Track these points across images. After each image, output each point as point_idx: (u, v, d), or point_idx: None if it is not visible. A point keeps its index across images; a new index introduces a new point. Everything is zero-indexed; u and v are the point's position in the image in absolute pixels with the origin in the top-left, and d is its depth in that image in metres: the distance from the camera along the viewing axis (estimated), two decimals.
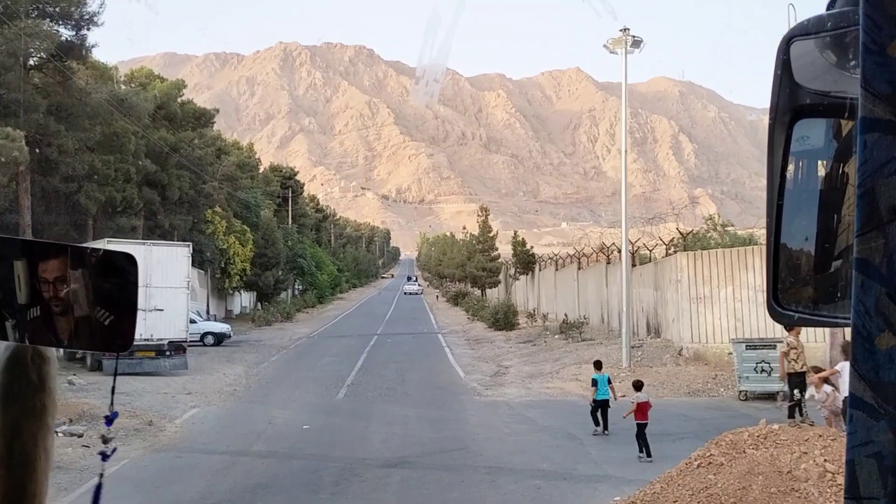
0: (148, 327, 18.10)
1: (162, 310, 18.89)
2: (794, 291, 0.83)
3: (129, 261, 1.06)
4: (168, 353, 19.79)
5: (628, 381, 14.20)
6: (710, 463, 6.68)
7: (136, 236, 27.61)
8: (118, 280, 1.05)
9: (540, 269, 43.65)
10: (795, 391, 11.75)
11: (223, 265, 38.07)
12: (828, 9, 0.77)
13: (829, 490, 5.80)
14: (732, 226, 33.72)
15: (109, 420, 1.15)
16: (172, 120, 34.14)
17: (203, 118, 38.63)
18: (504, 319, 35.21)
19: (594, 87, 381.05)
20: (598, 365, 12.75)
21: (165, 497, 9.14)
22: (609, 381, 12.30)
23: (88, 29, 24.57)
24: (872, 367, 0.62)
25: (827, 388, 10.12)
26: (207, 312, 34.88)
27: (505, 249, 55.52)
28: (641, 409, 10.68)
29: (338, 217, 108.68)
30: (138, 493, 9.12)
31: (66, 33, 24.46)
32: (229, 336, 28.91)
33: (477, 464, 10.54)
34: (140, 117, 28.26)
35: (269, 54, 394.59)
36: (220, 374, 20.37)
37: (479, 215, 55.93)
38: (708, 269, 19.69)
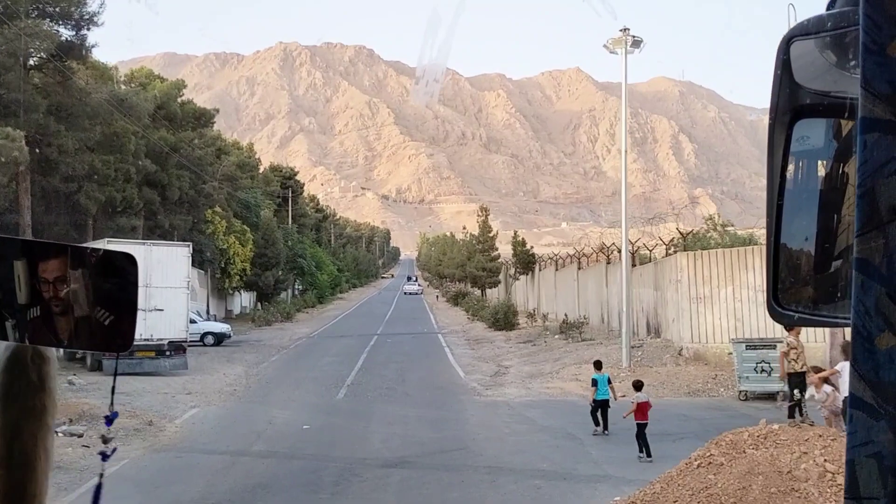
0: (148, 327, 18.10)
1: (162, 310, 18.89)
2: (794, 291, 0.83)
3: (129, 261, 1.06)
4: (168, 353, 19.79)
5: (628, 381, 14.20)
6: (711, 463, 6.68)
7: (137, 236, 27.61)
8: (118, 280, 1.05)
9: (540, 269, 43.64)
10: (795, 391, 11.74)
11: (223, 265, 38.07)
12: (828, 9, 0.77)
13: (829, 490, 5.80)
14: (732, 226, 33.74)
15: (109, 420, 1.16)
16: (172, 120, 34.14)
17: (203, 118, 38.63)
18: (504, 319, 35.21)
19: (594, 87, 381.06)
20: (597, 365, 12.75)
21: (165, 497, 9.14)
22: (609, 381, 12.29)
23: (88, 29, 24.59)
24: (872, 367, 0.62)
25: (827, 388, 10.12)
26: (207, 312, 34.88)
27: (505, 249, 55.52)
28: (641, 410, 10.68)
29: (338, 217, 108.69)
30: (138, 493, 9.11)
31: (66, 33, 24.47)
32: (229, 336, 28.90)
33: (477, 464, 10.54)
34: (140, 117, 28.26)
35: (269, 54, 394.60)
36: (220, 374, 20.37)
37: (479, 215, 55.93)
38: (708, 269, 19.69)
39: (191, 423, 13.75)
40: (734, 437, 6.92)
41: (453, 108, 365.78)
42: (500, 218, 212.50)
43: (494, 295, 54.60)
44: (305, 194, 69.03)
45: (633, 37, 19.51)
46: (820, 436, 6.59)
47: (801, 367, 12.06)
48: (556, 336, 28.22)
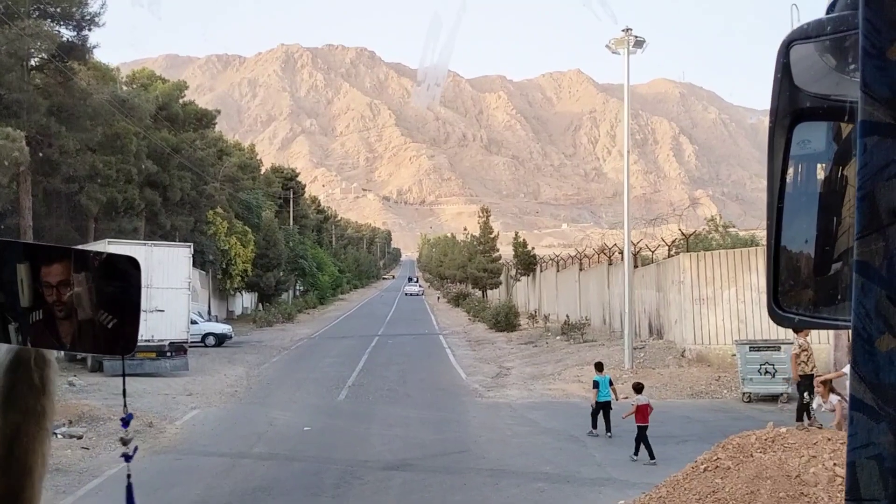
0: (149, 328, 18.03)
1: (163, 311, 18.82)
2: (794, 294, 0.83)
3: (133, 264, 1.05)
4: (169, 353, 19.72)
5: (631, 383, 14.11)
6: (717, 467, 6.60)
7: (138, 237, 27.55)
8: (121, 283, 1.04)
9: (541, 271, 43.57)
10: (805, 393, 11.64)
11: (224, 266, 38.02)
12: (827, 12, 0.77)
13: (839, 495, 5.71)
14: (734, 227, 33.68)
15: (126, 422, 1.15)
16: (174, 121, 34.10)
17: (204, 119, 38.60)
18: (505, 320, 35.12)
19: (595, 88, 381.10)
20: (599, 367, 12.67)
21: (165, 499, 9.06)
22: (611, 383, 12.22)
23: (90, 29, 24.55)
24: (873, 369, 0.62)
25: (833, 398, 10.02)
26: (209, 313, 34.81)
27: (506, 251, 55.44)
28: (641, 412, 10.60)
29: (339, 218, 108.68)
30: (137, 495, 8.96)
31: (67, 34, 24.43)
32: (230, 337, 28.84)
33: (479, 466, 10.46)
34: (141, 118, 28.22)
35: (271, 56, 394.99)
36: (221, 375, 20.29)
37: (479, 216, 55.86)
38: (711, 271, 19.60)
39: (191, 424, 13.68)
40: (741, 441, 6.83)
41: (454, 109, 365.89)
42: (500, 219, 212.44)
43: (495, 296, 54.51)
44: (307, 195, 69.01)
45: (636, 37, 19.44)
46: (829, 439, 6.50)
47: (812, 370, 11.99)
48: (558, 337, 28.13)
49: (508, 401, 16.54)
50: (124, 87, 31.29)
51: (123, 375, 1.30)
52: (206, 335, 27.62)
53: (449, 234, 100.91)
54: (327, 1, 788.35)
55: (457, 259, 65.72)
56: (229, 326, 30.65)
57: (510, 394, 17.53)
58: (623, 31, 19.44)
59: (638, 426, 10.60)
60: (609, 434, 12.03)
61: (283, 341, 30.63)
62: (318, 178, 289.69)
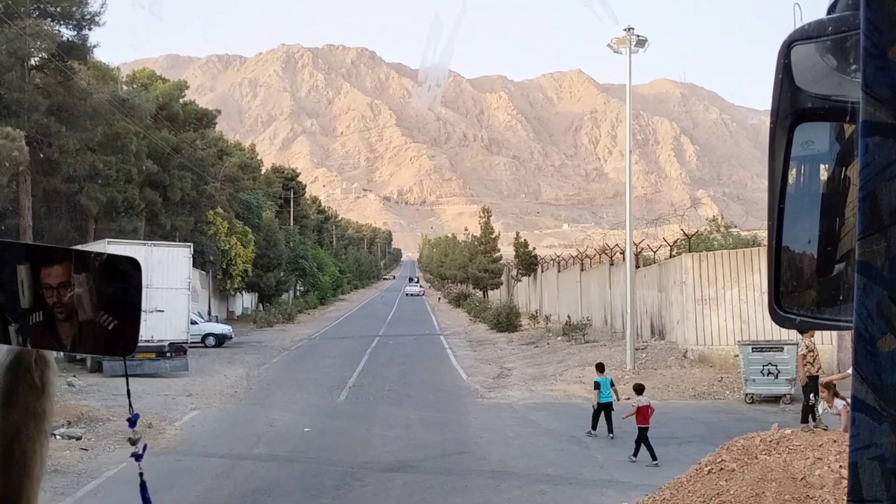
0: (148, 328, 17.95)
1: (163, 311, 18.75)
2: (795, 295, 0.83)
3: (133, 265, 1.05)
4: (169, 354, 19.66)
5: (632, 384, 14.03)
6: (722, 469, 6.52)
7: (138, 237, 27.49)
8: (122, 284, 1.04)
9: (542, 271, 43.50)
10: (811, 395, 11.56)
11: (225, 266, 37.96)
12: (828, 13, 0.77)
13: (845, 497, 5.62)
14: (735, 227, 33.61)
15: (132, 422, 1.16)
16: (174, 121, 34.04)
17: (205, 119, 38.54)
18: (506, 321, 35.05)
19: (595, 88, 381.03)
20: (600, 367, 12.60)
21: (164, 501, 8.98)
22: (612, 384, 12.16)
23: (90, 29, 24.47)
24: (875, 369, 0.63)
25: (839, 402, 9.94)
26: (209, 313, 34.76)
27: (507, 251, 55.37)
28: (642, 413, 10.53)
29: (339, 218, 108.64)
30: (136, 497, 8.95)
31: (67, 33, 24.36)
32: (230, 337, 28.77)
33: (481, 468, 10.39)
34: (142, 118, 28.15)
35: (272, 56, 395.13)
36: (221, 375, 20.23)
37: (480, 216, 55.78)
38: (713, 271, 19.53)
39: (191, 425, 13.61)
40: (746, 443, 6.75)
41: (455, 109, 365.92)
42: (501, 219, 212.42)
43: (496, 296, 54.43)
44: (307, 196, 68.96)
45: (638, 36, 19.37)
46: (834, 441, 6.42)
47: (817, 371, 11.92)
48: (559, 338, 28.05)
49: (510, 402, 16.47)
50: (124, 87, 31.24)
51: (126, 376, 1.30)
52: (206, 335, 27.56)
53: (450, 235, 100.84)
54: (328, 1, 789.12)
55: (457, 259, 65.64)
56: (229, 327, 30.59)
57: (511, 395, 17.46)
58: (625, 30, 19.37)
59: (639, 427, 10.54)
60: (611, 435, 11.96)
61: (283, 342, 30.57)
62: (318, 178, 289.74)
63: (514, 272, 49.28)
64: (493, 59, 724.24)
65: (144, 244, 21.32)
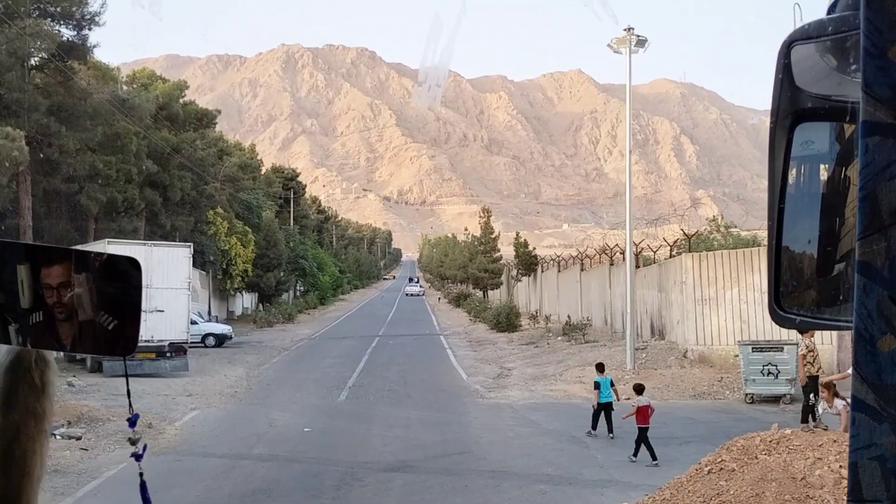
0: (148, 328, 17.94)
1: (163, 311, 18.74)
2: (795, 295, 0.84)
3: (133, 265, 1.05)
4: (169, 354, 19.65)
5: (632, 384, 14.03)
6: (722, 469, 6.51)
7: (138, 237, 27.48)
8: (122, 284, 1.04)
9: (542, 271, 43.49)
10: (811, 395, 11.55)
11: (225, 266, 37.95)
12: (828, 13, 0.77)
13: (845, 497, 5.62)
14: (736, 227, 33.60)
15: (132, 422, 1.17)
16: (174, 121, 34.03)
17: (205, 119, 38.53)
18: (506, 321, 35.03)
19: (595, 88, 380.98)
20: (600, 368, 12.60)
21: (164, 501, 8.97)
22: (612, 384, 12.16)
23: (90, 29, 24.46)
24: (875, 369, 0.63)
25: (839, 402, 9.92)
26: (209, 313, 34.75)
27: (507, 251, 55.35)
28: (642, 413, 10.53)
29: (339, 218, 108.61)
30: (136, 497, 8.94)
31: (67, 33, 24.35)
32: (230, 337, 28.76)
33: (481, 468, 10.39)
34: (142, 118, 28.14)
35: (272, 56, 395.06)
36: (221, 375, 20.22)
37: (480, 216, 55.76)
38: (713, 271, 19.52)
39: (191, 425, 13.60)
40: (746, 443, 6.75)
41: (455, 109, 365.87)
42: (501, 219, 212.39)
43: (496, 296, 54.42)
44: (307, 196, 68.94)
45: (638, 36, 19.37)
46: (834, 441, 6.42)
47: (817, 371, 11.90)
48: (559, 338, 28.04)
49: (510, 402, 16.47)
50: (124, 87, 31.22)
51: (126, 376, 1.31)
52: (206, 335, 27.55)
53: (450, 235, 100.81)
54: (328, 1, 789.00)
55: (457, 259, 65.62)
56: (229, 327, 30.58)
57: (511, 395, 17.46)
58: (625, 29, 19.37)
59: (638, 427, 10.53)
60: (611, 435, 11.96)
61: (283, 342, 30.57)
62: (318, 178, 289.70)
63: (514, 272, 49.27)
64: (493, 59, 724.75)
65: (144, 244, 21.31)
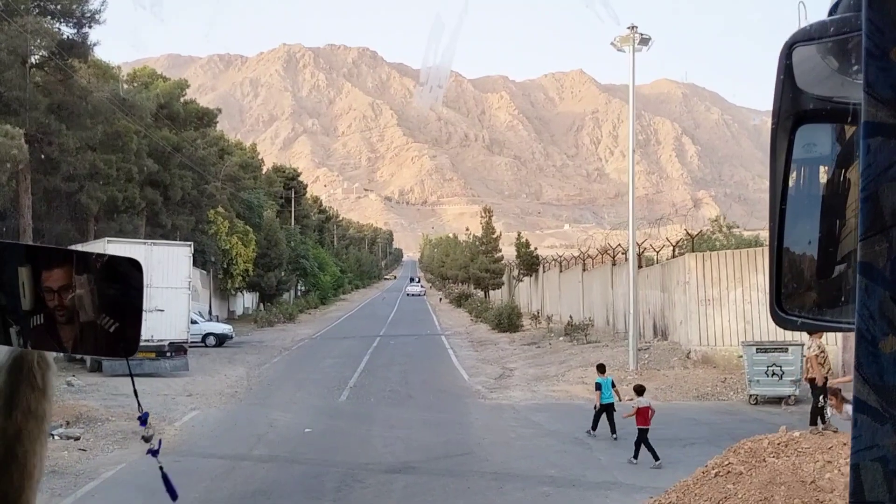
0: (148, 328, 17.85)
1: (163, 310, 18.65)
2: (797, 296, 0.83)
3: (134, 266, 1.05)
4: (169, 354, 19.56)
5: (635, 385, 13.92)
6: (729, 472, 6.40)
7: (138, 237, 27.39)
8: (123, 285, 1.04)
9: (544, 271, 43.38)
10: (820, 396, 11.41)
11: (225, 266, 37.87)
12: (830, 14, 0.77)
13: None
14: (738, 227, 33.50)
15: (143, 420, 1.17)
16: (175, 119, 33.96)
17: (206, 118, 38.46)
18: (508, 321, 34.92)
19: (597, 89, 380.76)
20: (601, 368, 12.50)
21: (163, 502, 8.88)
22: (613, 385, 12.06)
23: (90, 27, 24.39)
24: (877, 370, 0.63)
25: (848, 407, 9.78)
26: (210, 313, 34.67)
27: (508, 251, 55.21)
28: (642, 414, 10.42)
29: (340, 218, 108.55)
30: (136, 498, 8.86)
31: (67, 31, 24.28)
32: (231, 337, 28.68)
33: (483, 469, 10.28)
34: (142, 117, 28.07)
35: (273, 56, 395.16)
36: (222, 375, 20.13)
37: (482, 216, 55.64)
38: (717, 271, 19.40)
39: (190, 425, 13.51)
40: (753, 445, 6.64)
41: (456, 109, 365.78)
42: (502, 220, 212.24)
43: (498, 297, 54.32)
44: (308, 195, 68.88)
45: (641, 35, 19.27)
46: (844, 444, 6.31)
47: (827, 373, 11.77)
48: (561, 338, 27.93)
49: (512, 402, 16.36)
50: (125, 86, 31.13)
51: (131, 376, 1.33)
52: (206, 335, 27.46)
53: (451, 235, 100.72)
54: (329, 1, 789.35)
55: (459, 259, 65.52)
56: (230, 326, 30.49)
57: (513, 395, 17.35)
58: (629, 28, 19.26)
59: (639, 429, 10.44)
60: (614, 436, 11.85)
61: (284, 341, 30.48)
62: (319, 178, 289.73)
63: (516, 272, 49.17)
64: (495, 60, 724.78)
65: (144, 243, 21.22)
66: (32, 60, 23.64)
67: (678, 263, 21.40)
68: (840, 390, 10.17)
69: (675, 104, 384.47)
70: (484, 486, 9.46)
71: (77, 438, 11.54)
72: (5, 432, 1.01)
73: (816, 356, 11.84)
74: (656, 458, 10.19)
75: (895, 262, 0.62)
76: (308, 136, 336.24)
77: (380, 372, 21.37)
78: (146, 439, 1.13)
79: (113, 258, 1.05)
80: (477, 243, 56.21)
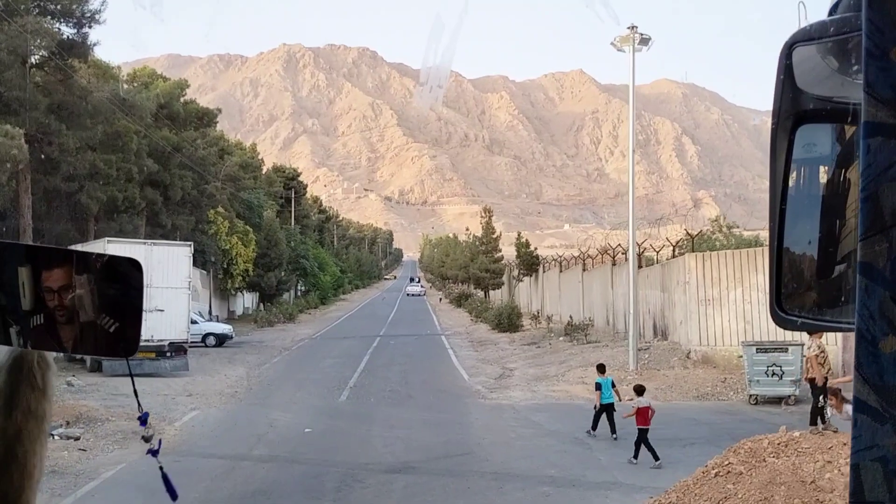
0: (148, 328, 17.84)
1: (163, 310, 18.64)
2: (797, 296, 0.83)
3: (134, 266, 1.06)
4: (169, 354, 19.56)
5: (633, 385, 13.92)
6: (729, 472, 6.40)
7: (138, 237, 27.38)
8: (123, 286, 1.04)
9: (544, 271, 43.39)
10: (820, 396, 11.41)
11: (225, 266, 37.87)
12: (830, 14, 0.77)
13: None
14: (738, 227, 33.50)
15: (143, 420, 1.18)
16: (175, 119, 33.96)
17: (206, 118, 38.45)
18: (508, 321, 34.92)
19: (597, 89, 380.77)
20: (601, 368, 12.50)
21: (162, 502, 8.88)
22: (613, 385, 12.06)
23: (90, 27, 24.39)
24: (877, 370, 0.63)
25: (848, 408, 9.76)
26: (210, 313, 34.67)
27: (508, 251, 55.22)
28: (642, 414, 10.42)
29: (340, 218, 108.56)
30: (136, 498, 8.86)
31: (67, 31, 24.28)
32: (231, 337, 28.68)
33: (483, 469, 10.28)
34: (142, 117, 28.07)
35: (273, 56, 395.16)
36: (222, 375, 20.13)
37: (482, 216, 55.64)
38: (717, 271, 19.40)
39: (190, 425, 13.50)
40: (753, 445, 6.63)
41: (456, 109, 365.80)
42: (502, 220, 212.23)
43: (498, 297, 54.33)
44: (308, 195, 68.89)
45: (641, 34, 19.26)
46: (844, 444, 6.31)
47: (827, 372, 11.77)
48: (561, 338, 27.93)
49: (512, 402, 16.36)
50: (125, 86, 31.13)
51: (131, 376, 1.34)
52: (206, 335, 27.46)
53: (451, 235, 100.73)
54: (329, 1, 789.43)
55: (459, 259, 65.52)
56: (230, 326, 30.49)
57: (513, 395, 17.35)
58: (629, 28, 19.26)
59: (638, 429, 10.44)
60: (614, 436, 11.85)
61: (284, 341, 30.48)
62: (319, 178, 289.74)
63: (516, 272, 49.17)
64: (495, 60, 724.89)
65: (144, 243, 21.22)
66: (32, 60, 23.64)
67: (678, 263, 21.40)
68: (840, 390, 10.16)
69: (675, 104, 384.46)
70: (484, 486, 9.46)
71: (77, 438, 11.54)
72: (5, 432, 1.01)
73: (816, 356, 11.83)
74: (656, 458, 10.19)
75: (895, 262, 0.62)
76: (308, 136, 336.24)
77: (380, 372, 21.36)
78: (146, 439, 1.13)
79: (113, 258, 1.06)
80: (477, 243, 56.20)
